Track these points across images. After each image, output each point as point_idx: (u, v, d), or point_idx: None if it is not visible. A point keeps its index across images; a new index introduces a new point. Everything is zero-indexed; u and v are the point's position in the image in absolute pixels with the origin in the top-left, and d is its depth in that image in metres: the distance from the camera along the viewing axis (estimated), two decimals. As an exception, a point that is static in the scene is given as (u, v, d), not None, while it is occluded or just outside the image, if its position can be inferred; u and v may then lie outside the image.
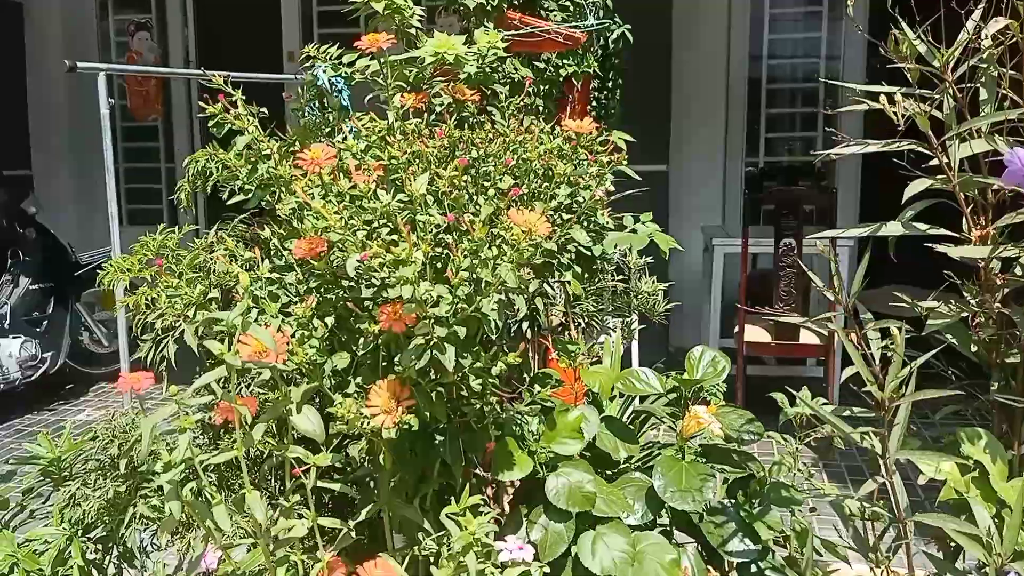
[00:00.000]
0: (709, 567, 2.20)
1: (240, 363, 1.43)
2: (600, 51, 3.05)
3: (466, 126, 1.95)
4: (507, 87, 2.37)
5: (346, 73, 2.43)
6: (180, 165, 6.90)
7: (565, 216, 1.73)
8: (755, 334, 4.64)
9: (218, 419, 1.57)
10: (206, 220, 6.96)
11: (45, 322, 5.41)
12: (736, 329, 4.71)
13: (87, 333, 5.72)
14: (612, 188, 1.89)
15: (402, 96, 1.84)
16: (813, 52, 6.10)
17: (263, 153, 1.85)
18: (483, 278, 1.50)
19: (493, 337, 1.67)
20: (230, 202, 1.99)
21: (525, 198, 1.68)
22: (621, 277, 3.39)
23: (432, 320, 1.52)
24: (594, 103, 3.22)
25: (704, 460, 2.27)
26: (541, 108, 2.51)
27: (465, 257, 1.51)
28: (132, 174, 7.02)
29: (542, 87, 2.83)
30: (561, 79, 2.81)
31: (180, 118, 6.83)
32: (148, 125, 6.88)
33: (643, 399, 2.48)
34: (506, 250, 1.49)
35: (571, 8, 2.84)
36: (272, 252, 1.89)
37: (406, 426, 1.57)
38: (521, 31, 2.62)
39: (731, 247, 5.08)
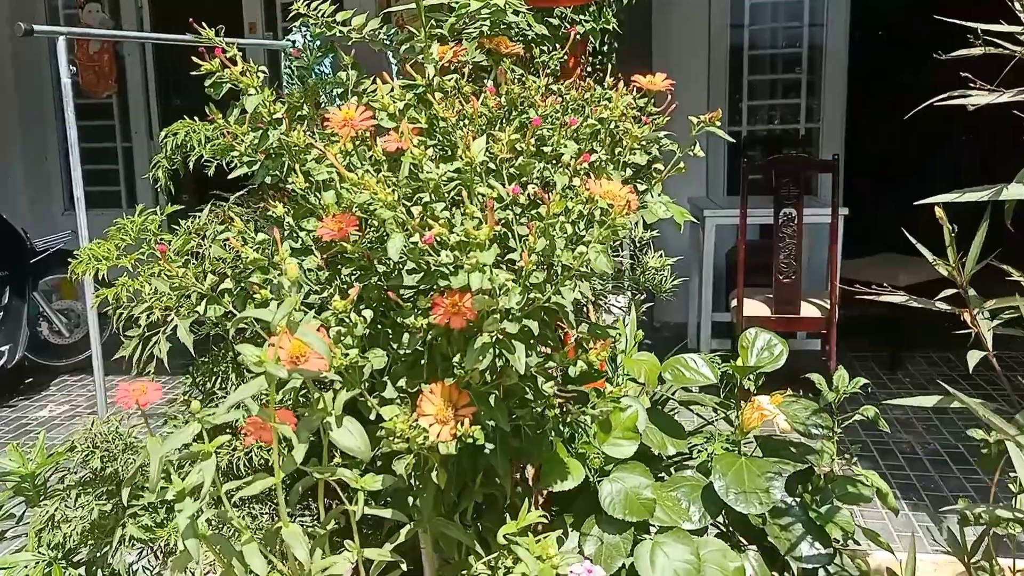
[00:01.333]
0: (773, 573, 1.97)
1: (287, 374, 1.14)
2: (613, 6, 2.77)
3: (506, 83, 1.66)
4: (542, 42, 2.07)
5: (341, 32, 2.12)
6: (136, 144, 6.48)
7: (641, 186, 1.46)
8: (754, 308, 4.42)
9: (248, 439, 1.28)
10: (192, 200, 6.56)
11: (1, 313, 5.00)
12: (734, 303, 4.48)
13: (46, 323, 5.32)
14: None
15: (440, 49, 1.54)
16: (795, 18, 5.87)
17: (274, 117, 1.54)
18: (563, 261, 1.23)
19: (572, 332, 1.40)
20: (232, 175, 1.68)
21: (596, 165, 1.40)
22: (626, 252, 3.14)
23: (501, 313, 1.24)
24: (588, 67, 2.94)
25: (761, 454, 2.04)
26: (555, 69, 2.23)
27: (539, 236, 1.23)
28: (86, 154, 6.57)
29: (555, 46, 2.54)
30: (577, 37, 2.51)
31: (136, 94, 6.39)
32: (102, 102, 6.44)
33: (686, 388, 2.23)
34: (594, 226, 1.21)
35: (586, -41, 2.54)
36: (286, 233, 1.59)
37: (470, 439, 1.29)
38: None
39: (723, 219, 4.85)
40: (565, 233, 1.23)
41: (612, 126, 1.48)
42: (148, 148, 6.40)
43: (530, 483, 1.78)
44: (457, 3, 1.65)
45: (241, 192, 1.88)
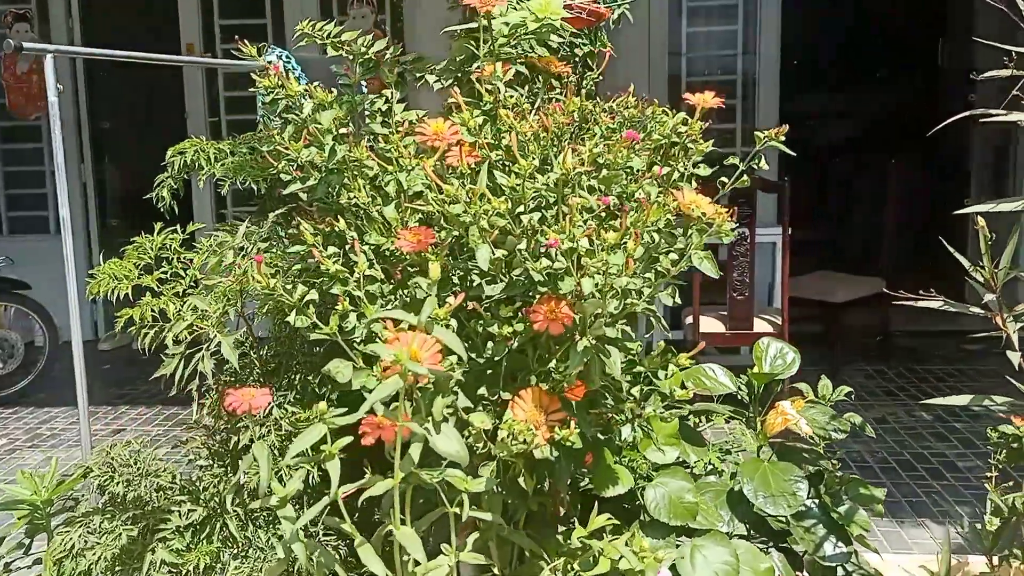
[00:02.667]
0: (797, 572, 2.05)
1: (426, 370, 1.15)
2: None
3: (554, 101, 1.72)
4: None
5: (345, 52, 2.15)
6: (65, 168, 6.27)
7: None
8: (710, 325, 4.55)
9: (367, 439, 1.28)
10: (123, 223, 6.36)
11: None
12: (689, 320, 4.61)
13: (-24, 354, 5.11)
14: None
15: (503, 66, 1.58)
16: (730, 46, 6.10)
17: (340, 133, 1.56)
18: (662, 267, 1.28)
19: (661, 339, 1.45)
20: (287, 191, 1.68)
21: (670, 177, 1.47)
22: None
23: (603, 318, 1.28)
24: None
25: (779, 459, 2.12)
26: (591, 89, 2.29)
27: (640, 244, 1.28)
28: (11, 179, 6.36)
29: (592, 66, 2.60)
30: (576, 59, 2.59)
31: (67, 116, 6.21)
32: (29, 125, 6.23)
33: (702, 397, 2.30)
34: (692, 233, 1.28)
35: (583, -17, 2.63)
36: (347, 247, 1.60)
37: (568, 443, 1.33)
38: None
39: (673, 239, 4.98)
40: (664, 241, 1.29)
41: (672, 141, 1.56)
42: (79, 172, 6.22)
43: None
44: (502, 22, 1.70)
45: (281, 210, 1.88)
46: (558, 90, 1.84)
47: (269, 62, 3.16)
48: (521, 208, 1.32)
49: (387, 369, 1.25)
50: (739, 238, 4.37)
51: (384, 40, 2.36)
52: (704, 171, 1.53)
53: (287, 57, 3.22)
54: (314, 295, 1.42)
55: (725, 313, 4.52)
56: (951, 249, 1.75)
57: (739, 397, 2.15)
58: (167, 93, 6.14)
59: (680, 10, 6.03)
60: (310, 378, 2.00)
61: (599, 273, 1.20)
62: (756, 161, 1.50)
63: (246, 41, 1.81)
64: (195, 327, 1.81)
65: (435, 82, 2.19)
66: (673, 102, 5.70)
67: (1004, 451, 2.38)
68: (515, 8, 1.60)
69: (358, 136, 1.81)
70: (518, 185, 1.29)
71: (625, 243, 1.22)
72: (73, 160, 6.22)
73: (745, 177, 1.59)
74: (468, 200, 1.36)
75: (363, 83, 1.96)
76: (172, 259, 1.97)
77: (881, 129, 8.54)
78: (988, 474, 2.47)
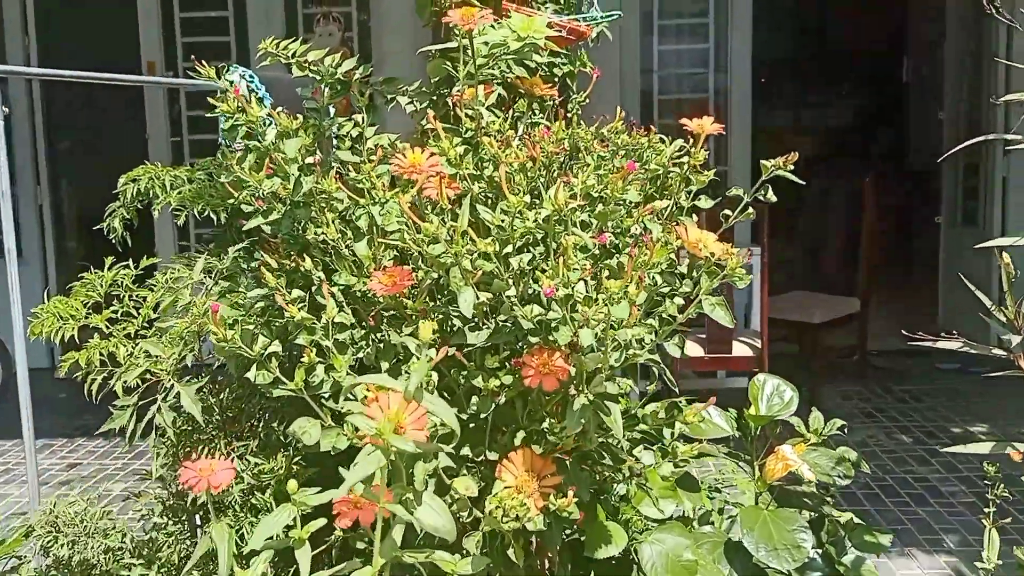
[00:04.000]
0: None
1: (412, 446, 0.99)
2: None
3: (540, 127, 1.57)
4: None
5: (313, 73, 2.00)
6: (21, 189, 6.04)
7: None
8: (688, 348, 4.42)
9: (343, 521, 1.11)
10: (79, 249, 6.11)
11: None
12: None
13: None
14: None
15: (486, 89, 1.43)
16: (702, 64, 6.01)
17: (306, 164, 1.40)
18: (669, 313, 1.14)
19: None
20: (248, 226, 1.51)
21: (669, 211, 1.32)
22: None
23: (603, 372, 1.13)
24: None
25: (779, 504, 1.98)
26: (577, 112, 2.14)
27: (645, 288, 1.13)
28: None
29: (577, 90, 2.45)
30: (555, 80, 2.45)
31: (23, 136, 5.97)
32: (-18, 144, 5.98)
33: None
34: (702, 276, 1.13)
35: (562, 0, 2.48)
36: (314, 288, 1.44)
37: (566, 514, 1.17)
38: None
39: (649, 261, 4.85)
40: (667, 284, 1.14)
41: (667, 170, 1.41)
42: (34, 194, 5.98)
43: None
44: (482, 41, 1.55)
45: (242, 245, 1.71)
46: (541, 114, 1.69)
47: (231, 82, 2.97)
48: (509, 248, 1.16)
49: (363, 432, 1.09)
50: (717, 260, 4.25)
51: (353, 60, 2.21)
52: (706, 203, 1.38)
53: (251, 76, 3.05)
54: (277, 347, 1.25)
55: (704, 336, 4.39)
56: (972, 288, 1.62)
57: (733, 436, 2.01)
58: (128, 112, 5.93)
59: (651, 28, 5.93)
60: (275, 424, 1.83)
61: (600, 324, 1.05)
62: (763, 192, 1.36)
63: (204, 62, 1.65)
64: (149, 373, 1.63)
65: (407, 104, 2.04)
66: (645, 120, 5.60)
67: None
68: (494, 27, 1.45)
69: (326, 165, 1.65)
70: (506, 223, 1.14)
71: (627, 289, 1.07)
72: (28, 182, 5.98)
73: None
74: (449, 238, 1.20)
75: (330, 106, 1.80)
76: (124, 297, 1.79)
77: (848, 145, 8.52)
78: (987, 510, 2.35)
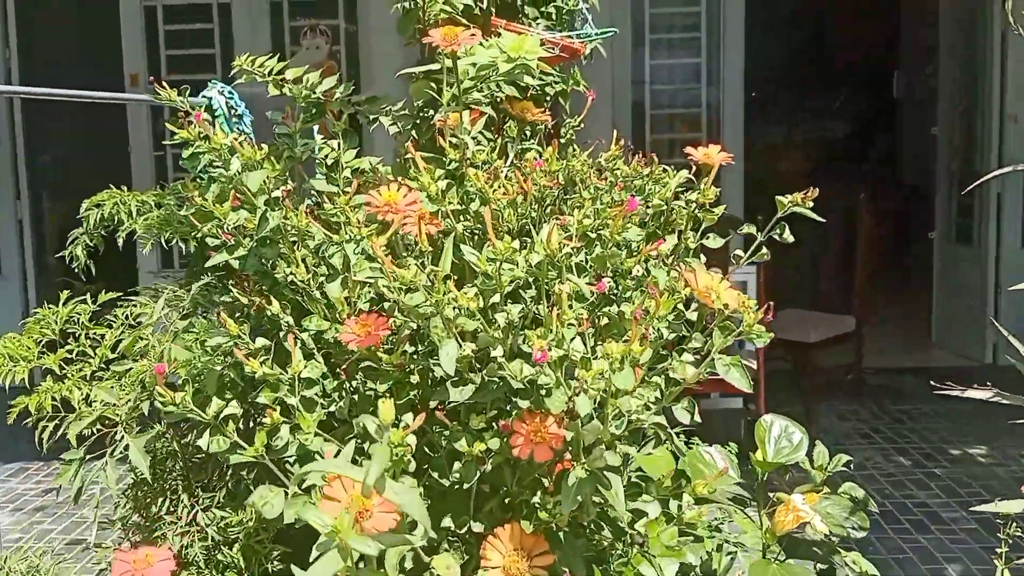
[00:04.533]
0: None
1: (375, 547, 0.84)
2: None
3: (532, 157, 1.43)
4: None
5: (293, 90, 1.86)
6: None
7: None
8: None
9: None
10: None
11: None
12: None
13: None
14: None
15: (472, 115, 1.29)
16: (693, 78, 5.89)
17: (272, 196, 1.25)
18: (679, 375, 1.00)
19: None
20: (211, 263, 1.37)
21: (676, 252, 1.19)
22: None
23: (603, 443, 0.99)
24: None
25: (787, 555, 1.84)
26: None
27: (650, 345, 0.99)
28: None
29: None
30: (548, 99, 2.30)
31: (2, 150, 5.81)
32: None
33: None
34: (716, 332, 0.99)
35: (555, 16, 2.35)
36: (279, 333, 1.29)
37: (560, 599, 1.03)
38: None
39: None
40: (674, 332, 1.00)
41: (671, 207, 1.27)
42: (14, 209, 5.82)
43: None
44: (469, 62, 1.41)
45: (206, 280, 1.56)
46: (533, 139, 1.55)
47: (209, 98, 2.81)
48: (497, 297, 1.02)
49: (330, 500, 0.95)
50: (712, 280, 4.11)
51: (334, 77, 2.07)
52: (715, 242, 1.25)
53: (230, 93, 2.91)
54: (235, 408, 1.10)
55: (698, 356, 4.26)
56: (1006, 333, 1.49)
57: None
58: (110, 126, 5.78)
59: (643, 42, 5.81)
60: (244, 473, 1.67)
61: (599, 391, 0.91)
62: (780, 230, 1.23)
63: (184, 75, 1.51)
64: (104, 420, 1.49)
65: (391, 125, 1.90)
66: (637, 135, 5.48)
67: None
68: (483, 46, 1.32)
69: (298, 197, 1.50)
70: (492, 270, 1.00)
71: (631, 350, 0.93)
72: (8, 196, 5.82)
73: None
74: (430, 283, 1.06)
75: (314, 127, 1.65)
76: (79, 335, 1.64)
77: (840, 160, 8.41)
78: (998, 550, 2.22)
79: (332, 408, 1.26)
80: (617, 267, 1.12)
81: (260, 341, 1.16)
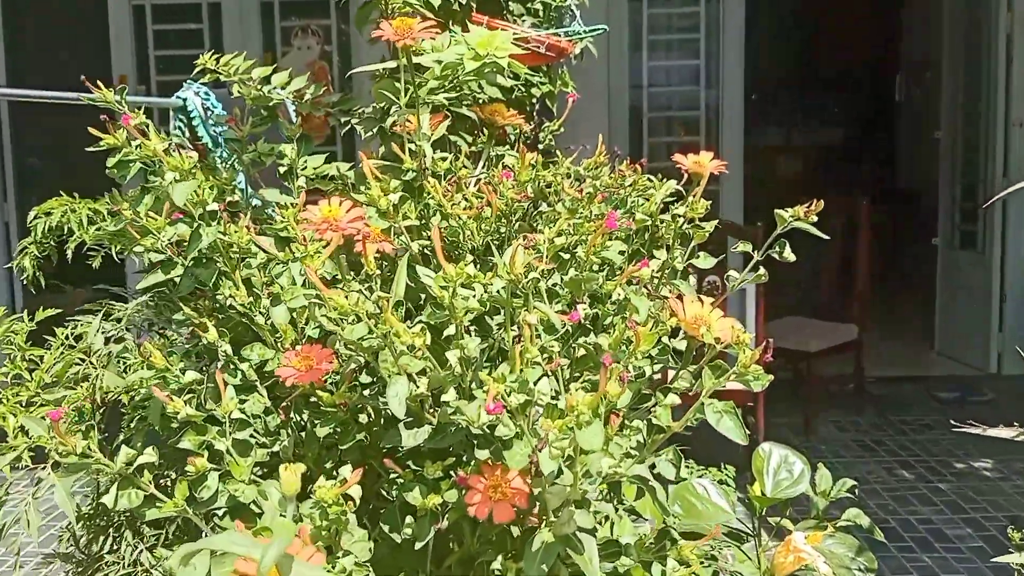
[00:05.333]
0: None
1: None
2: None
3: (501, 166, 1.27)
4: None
5: (241, 90, 1.73)
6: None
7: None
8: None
9: None
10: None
11: None
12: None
13: None
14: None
15: (434, 119, 1.14)
16: (692, 80, 5.73)
17: (209, 210, 1.10)
18: (665, 422, 0.84)
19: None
20: (142, 285, 1.22)
21: (663, 274, 1.03)
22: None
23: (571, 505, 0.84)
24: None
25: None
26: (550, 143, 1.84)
27: (629, 387, 0.84)
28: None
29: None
30: (534, 101, 2.15)
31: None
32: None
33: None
34: (706, 372, 0.84)
35: (542, 13, 2.20)
36: (220, 364, 1.14)
37: None
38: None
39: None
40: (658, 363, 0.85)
41: (657, 222, 1.12)
42: (1, 211, 5.67)
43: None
44: (433, 59, 1.26)
45: (144, 297, 1.41)
46: (512, 146, 1.40)
47: (183, 100, 2.64)
48: (451, 329, 0.87)
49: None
50: (709, 286, 3.96)
51: (303, 77, 1.93)
52: (705, 261, 1.09)
53: (206, 94, 2.76)
54: (150, 457, 0.95)
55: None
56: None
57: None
58: (98, 128, 5.62)
59: (640, 44, 5.65)
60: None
61: (567, 446, 0.76)
62: (780, 250, 1.07)
63: (100, 83, 1.36)
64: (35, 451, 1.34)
65: (357, 125, 1.75)
66: (635, 138, 5.32)
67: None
68: (457, 39, 1.16)
69: (248, 207, 1.35)
70: (446, 298, 0.85)
71: (605, 395, 0.78)
72: (-7, 200, 5.67)
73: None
74: (377, 311, 0.91)
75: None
76: (15, 357, 1.49)
77: (841, 164, 8.26)
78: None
79: (276, 447, 1.10)
80: (595, 291, 0.97)
81: (190, 375, 1.01)
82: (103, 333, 1.57)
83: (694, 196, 1.16)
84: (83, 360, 1.42)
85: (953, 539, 3.72)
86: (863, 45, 8.53)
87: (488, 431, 0.86)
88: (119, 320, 1.57)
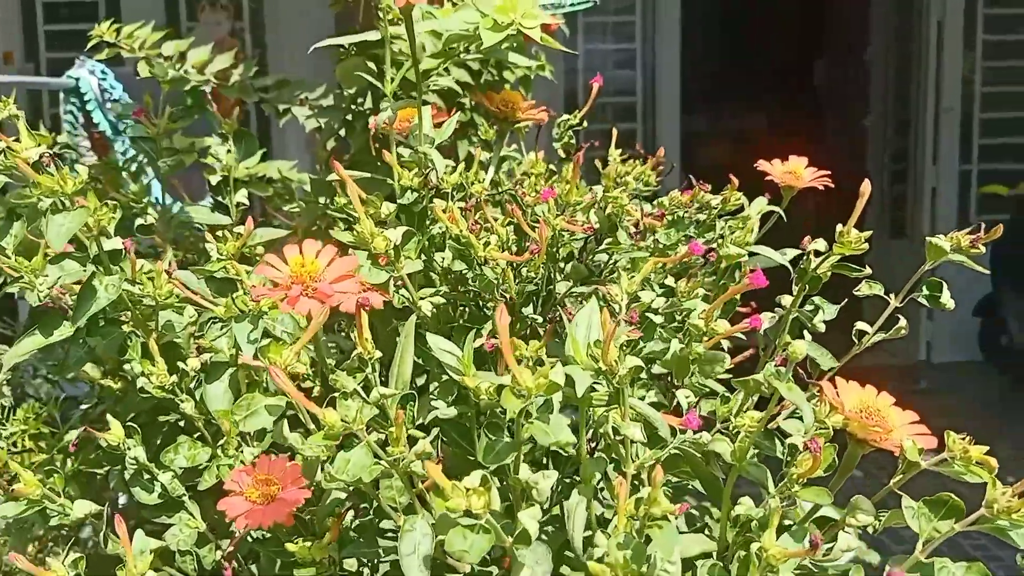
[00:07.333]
0: None
1: None
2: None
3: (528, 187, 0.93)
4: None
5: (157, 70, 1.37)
6: None
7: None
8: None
9: None
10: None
11: None
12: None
13: None
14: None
15: (435, 112, 0.78)
16: (628, 65, 5.46)
17: (109, 250, 0.73)
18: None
19: None
20: (8, 357, 0.83)
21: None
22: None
23: None
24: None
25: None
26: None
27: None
28: None
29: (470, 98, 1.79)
30: (508, 86, 1.80)
31: None
32: None
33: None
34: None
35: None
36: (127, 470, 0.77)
37: None
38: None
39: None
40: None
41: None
42: None
43: None
44: (429, 29, 0.90)
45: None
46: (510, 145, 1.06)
47: (76, 79, 2.21)
48: (511, 458, 0.53)
49: None
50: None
51: (229, 55, 1.55)
52: (827, 311, 0.77)
53: (103, 73, 2.32)
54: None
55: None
56: None
57: None
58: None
59: (576, 27, 5.33)
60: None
61: None
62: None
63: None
64: None
65: (307, 119, 1.39)
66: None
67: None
68: (456, 3, 0.81)
69: (168, 226, 0.98)
70: (517, 425, 0.51)
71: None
72: None
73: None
74: (380, 413, 0.56)
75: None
76: None
77: (767, 148, 8.13)
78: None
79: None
80: (707, 372, 0.64)
81: (82, 506, 0.64)
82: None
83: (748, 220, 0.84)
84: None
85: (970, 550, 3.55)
86: (790, 29, 8.46)
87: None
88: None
